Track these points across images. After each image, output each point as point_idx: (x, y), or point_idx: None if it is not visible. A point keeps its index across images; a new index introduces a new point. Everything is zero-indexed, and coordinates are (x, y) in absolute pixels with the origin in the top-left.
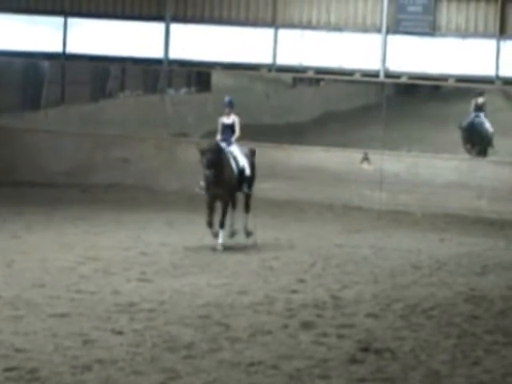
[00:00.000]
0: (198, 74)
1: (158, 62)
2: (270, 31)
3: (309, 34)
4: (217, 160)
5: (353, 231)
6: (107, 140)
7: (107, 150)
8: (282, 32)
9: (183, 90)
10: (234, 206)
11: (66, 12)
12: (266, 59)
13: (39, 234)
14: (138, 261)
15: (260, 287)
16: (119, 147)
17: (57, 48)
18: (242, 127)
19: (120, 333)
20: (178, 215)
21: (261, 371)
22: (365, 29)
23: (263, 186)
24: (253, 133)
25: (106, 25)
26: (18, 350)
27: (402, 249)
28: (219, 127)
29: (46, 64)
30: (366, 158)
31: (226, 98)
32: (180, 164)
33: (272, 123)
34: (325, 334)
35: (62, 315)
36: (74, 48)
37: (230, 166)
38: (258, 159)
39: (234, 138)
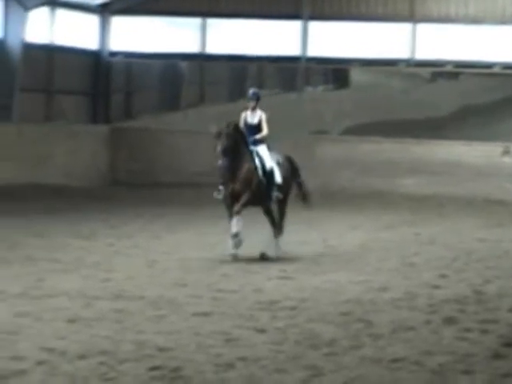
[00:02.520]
0: (336, 71)
1: (295, 59)
2: (408, 26)
3: (447, 27)
4: (234, 146)
5: (494, 225)
6: None
7: None
8: (420, 26)
9: (321, 88)
10: (270, 215)
11: (204, 13)
12: (405, 54)
13: (180, 234)
14: (278, 259)
15: (401, 283)
16: None
17: (195, 49)
18: (381, 123)
19: (262, 331)
20: (317, 213)
21: (403, 367)
22: (504, 20)
23: (404, 181)
24: (392, 129)
25: (243, 24)
26: (161, 350)
27: None
28: (241, 125)
29: (184, 65)
30: (507, 152)
31: (251, 90)
32: (318, 162)
33: (411, 118)
34: (468, 330)
35: (205, 314)
36: (212, 48)
37: (252, 161)
38: (398, 155)
39: (259, 136)
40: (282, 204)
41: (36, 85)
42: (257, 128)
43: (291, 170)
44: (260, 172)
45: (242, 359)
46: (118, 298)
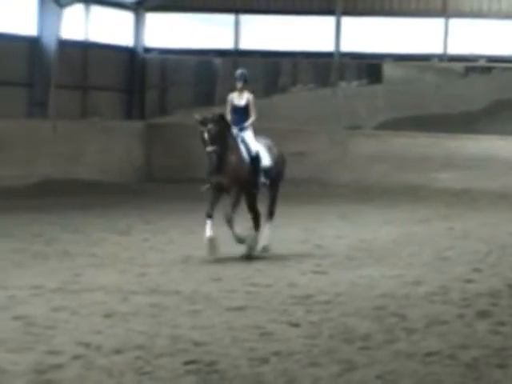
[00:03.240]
0: (369, 66)
1: (329, 55)
2: (440, 21)
3: (480, 22)
4: (221, 134)
5: None
6: (281, 134)
7: (281, 144)
8: (452, 21)
9: (354, 83)
10: (253, 211)
11: (238, 9)
12: (437, 49)
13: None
14: (312, 253)
15: (435, 277)
16: (293, 141)
17: (229, 45)
18: (414, 118)
19: (296, 325)
20: (352, 208)
21: (437, 361)
22: None
23: (438, 176)
24: (425, 123)
25: (276, 20)
26: (196, 344)
27: None
28: (228, 108)
29: (218, 61)
30: None
31: (238, 71)
32: (352, 156)
33: (444, 113)
34: (501, 323)
35: (239, 308)
36: (245, 44)
37: (239, 150)
38: (432, 149)
39: (248, 123)
40: (273, 189)
41: (71, 81)
42: (244, 110)
43: (282, 161)
44: (247, 159)
45: (277, 353)
46: (154, 292)
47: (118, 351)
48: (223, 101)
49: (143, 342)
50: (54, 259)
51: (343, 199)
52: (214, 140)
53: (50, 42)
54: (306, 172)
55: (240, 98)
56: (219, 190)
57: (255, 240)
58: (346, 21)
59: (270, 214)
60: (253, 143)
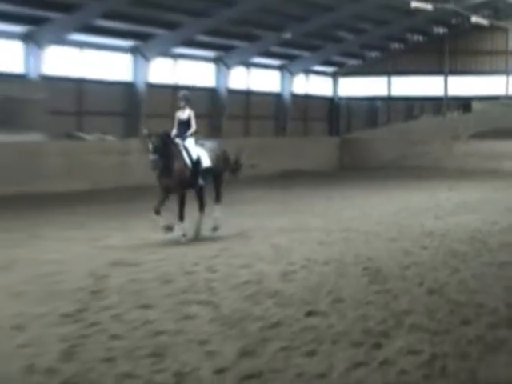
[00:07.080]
0: (464, 104)
1: (440, 98)
2: (503, 77)
3: None
4: (163, 146)
5: None
6: (414, 142)
7: (414, 147)
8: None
9: (455, 113)
10: (200, 199)
11: (389, 72)
12: (502, 92)
13: (375, 197)
14: (434, 208)
15: (505, 220)
16: (420, 146)
17: (384, 93)
18: (493, 131)
19: (425, 248)
20: (456, 182)
21: (508, 267)
22: None
23: (506, 163)
24: (499, 134)
25: (411, 79)
26: (368, 259)
27: None
28: (175, 122)
29: (378, 103)
30: None
31: (181, 92)
32: (455, 153)
33: (509, 128)
34: None
35: (392, 239)
36: (394, 93)
37: (182, 157)
38: (505, 149)
39: (189, 133)
40: (217, 181)
41: (299, 116)
42: (186, 123)
43: (223, 155)
44: (189, 163)
45: (414, 263)
46: (345, 230)
47: (326, 263)
48: (383, 124)
49: (339, 258)
50: (288, 215)
51: (450, 178)
52: (155, 151)
53: (222, 90)
54: (427, 162)
55: (183, 114)
56: (166, 191)
57: (201, 222)
58: (452, 78)
59: (218, 200)
60: (193, 150)
